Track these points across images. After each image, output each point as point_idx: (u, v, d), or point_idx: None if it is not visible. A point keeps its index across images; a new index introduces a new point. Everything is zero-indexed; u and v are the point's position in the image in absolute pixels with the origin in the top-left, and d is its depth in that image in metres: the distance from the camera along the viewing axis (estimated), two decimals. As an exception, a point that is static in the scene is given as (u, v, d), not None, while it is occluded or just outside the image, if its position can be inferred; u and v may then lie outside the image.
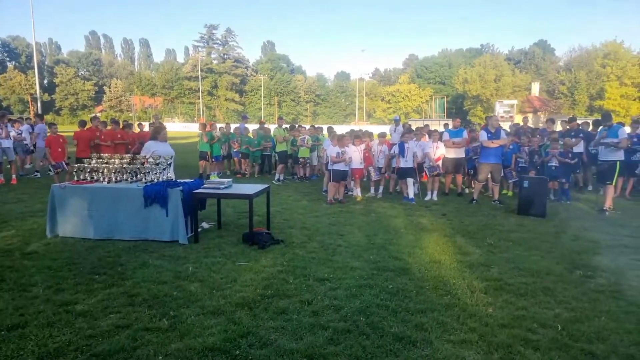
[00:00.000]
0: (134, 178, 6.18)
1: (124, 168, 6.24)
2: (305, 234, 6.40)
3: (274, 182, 11.63)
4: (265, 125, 14.18)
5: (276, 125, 13.53)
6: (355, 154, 9.26)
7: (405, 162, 9.13)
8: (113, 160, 6.47)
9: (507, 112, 38.48)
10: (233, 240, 6.02)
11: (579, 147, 9.93)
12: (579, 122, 11.55)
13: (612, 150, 7.88)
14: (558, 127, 11.67)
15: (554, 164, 9.09)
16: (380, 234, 6.48)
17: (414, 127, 12.01)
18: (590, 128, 10.70)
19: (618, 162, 7.89)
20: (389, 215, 7.80)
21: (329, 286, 4.37)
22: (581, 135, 10.14)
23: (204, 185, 6.31)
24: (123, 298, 4.02)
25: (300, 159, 12.31)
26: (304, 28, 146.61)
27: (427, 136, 10.23)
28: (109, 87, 72.67)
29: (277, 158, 12.58)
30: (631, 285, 4.38)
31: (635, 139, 9.21)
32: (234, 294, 4.14)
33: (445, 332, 3.45)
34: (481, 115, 54.31)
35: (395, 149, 9.35)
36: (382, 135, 10.18)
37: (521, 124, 13.14)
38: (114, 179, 6.19)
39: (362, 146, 9.62)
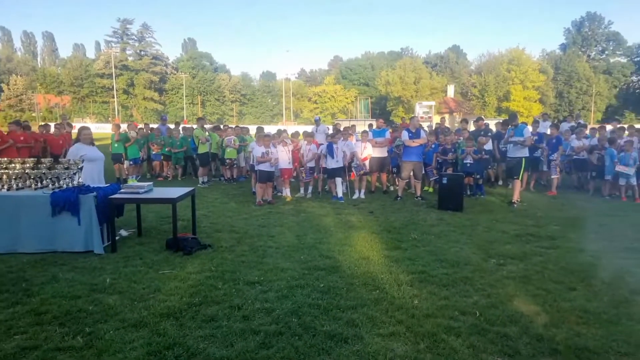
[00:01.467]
0: (39, 184, 5.59)
1: (27, 174, 5.62)
2: (234, 237, 6.23)
3: (199, 184, 11.20)
4: (188, 126, 13.60)
5: (196, 126, 12.99)
6: (282, 154, 9.22)
7: (334, 162, 9.27)
8: (13, 165, 5.78)
9: (426, 113, 40.71)
10: (155, 247, 5.68)
11: (489, 145, 10.77)
12: (496, 122, 12.55)
13: (519, 148, 8.64)
14: (472, 127, 12.57)
15: (469, 161, 9.76)
16: (311, 233, 6.50)
17: (341, 128, 12.24)
18: (500, 127, 11.65)
19: (524, 159, 8.67)
20: (319, 215, 7.87)
21: (259, 289, 4.28)
22: (490, 134, 11.00)
23: (121, 190, 5.87)
24: (29, 317, 3.62)
25: (227, 160, 11.98)
26: (227, 26, 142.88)
27: (354, 136, 10.48)
28: (7, 85, 65.34)
29: (198, 160, 12.05)
30: (537, 271, 4.81)
31: (536, 137, 10.19)
32: (157, 304, 3.90)
33: (375, 326, 3.53)
34: (403, 115, 57.06)
35: (324, 149, 9.46)
36: (309, 135, 10.24)
37: (452, 124, 13.93)
38: (14, 185, 5.55)
39: (291, 146, 9.60)
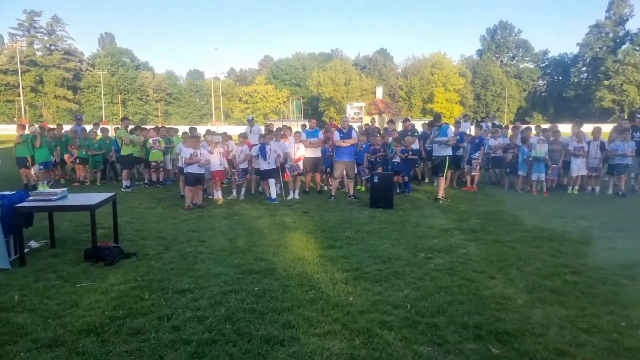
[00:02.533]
0: None
1: None
2: (162, 244, 5.91)
3: (122, 189, 10.52)
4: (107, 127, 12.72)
5: (119, 127, 12.20)
6: (213, 155, 8.94)
7: (267, 164, 9.16)
8: None
9: (357, 114, 41.75)
10: (72, 258, 5.22)
11: (415, 145, 11.28)
12: (422, 122, 13.13)
13: (443, 147, 9.13)
14: (400, 127, 13.09)
15: (397, 160, 10.14)
16: (244, 236, 6.36)
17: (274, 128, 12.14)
18: (426, 128, 12.23)
19: (447, 157, 9.18)
20: (253, 217, 7.73)
21: (190, 297, 4.09)
22: (416, 134, 11.52)
23: (30, 198, 5.32)
24: None
25: (152, 163, 11.36)
26: (148, 21, 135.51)
27: (287, 137, 10.44)
28: None
29: (119, 163, 11.30)
30: (461, 262, 5.10)
31: (458, 137, 10.84)
32: (75, 320, 3.58)
33: (311, 326, 3.52)
34: (334, 116, 58.05)
35: (256, 150, 9.32)
36: (242, 136, 10.04)
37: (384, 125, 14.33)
38: None
39: (220, 148, 9.33)
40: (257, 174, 9.61)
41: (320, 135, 10.44)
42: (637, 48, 64.05)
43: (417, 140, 10.93)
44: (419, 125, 13.15)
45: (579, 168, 9.84)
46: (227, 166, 9.44)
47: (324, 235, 6.37)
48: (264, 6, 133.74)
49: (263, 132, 10.86)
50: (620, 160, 9.61)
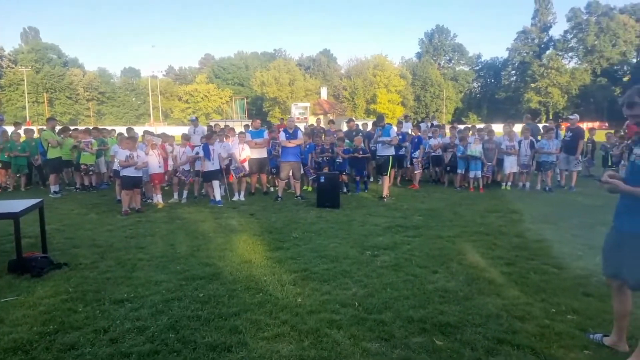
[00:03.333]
0: None
1: None
2: (97, 252, 5.55)
3: (50, 195, 9.77)
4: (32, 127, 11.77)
5: (44, 128, 11.31)
6: (151, 157, 8.54)
7: (211, 165, 8.91)
8: None
9: (302, 114, 41.87)
10: (-6, 271, 4.76)
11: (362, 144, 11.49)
12: (363, 122, 13.38)
13: (387, 147, 9.36)
14: (344, 127, 13.25)
15: (339, 160, 10.26)
16: (187, 241, 6.13)
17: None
18: (370, 128, 12.49)
19: (391, 157, 9.43)
20: (196, 220, 7.47)
21: (129, 307, 3.87)
22: (361, 134, 11.73)
23: (-58, 206, 4.79)
24: None
25: (82, 166, 10.63)
26: (77, 15, 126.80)
27: (231, 137, 10.22)
28: None
29: (46, 166, 10.48)
30: (406, 259, 5.24)
31: (400, 137, 11.16)
32: (0, 338, 3.26)
33: (259, 330, 3.45)
34: (279, 116, 57.78)
35: (200, 151, 9.03)
36: (185, 137, 9.70)
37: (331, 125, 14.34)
38: None
39: (157, 149, 8.93)
40: (200, 176, 9.31)
41: (265, 135, 10.33)
42: (560, 53, 69.70)
43: (362, 140, 11.12)
44: (363, 126, 13.36)
45: (511, 165, 10.49)
46: (167, 168, 9.05)
47: (271, 237, 6.30)
48: (203, 3, 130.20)
49: (205, 133, 10.56)
50: (546, 158, 10.37)
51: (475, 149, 10.23)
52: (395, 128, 10.34)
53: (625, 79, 66.34)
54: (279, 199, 9.29)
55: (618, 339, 3.14)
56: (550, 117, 59.84)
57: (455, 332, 3.40)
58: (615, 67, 67.35)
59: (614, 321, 3.20)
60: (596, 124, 38.60)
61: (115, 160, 8.51)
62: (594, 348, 3.14)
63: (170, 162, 9.27)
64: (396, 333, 3.39)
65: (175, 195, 9.35)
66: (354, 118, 18.40)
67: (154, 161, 8.56)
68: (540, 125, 12.98)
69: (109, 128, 13.91)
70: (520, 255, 5.28)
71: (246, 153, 9.76)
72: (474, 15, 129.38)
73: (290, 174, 9.61)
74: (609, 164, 11.17)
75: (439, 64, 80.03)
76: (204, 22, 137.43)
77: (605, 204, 8.25)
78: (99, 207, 8.66)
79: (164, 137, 9.91)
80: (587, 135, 11.06)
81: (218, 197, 8.96)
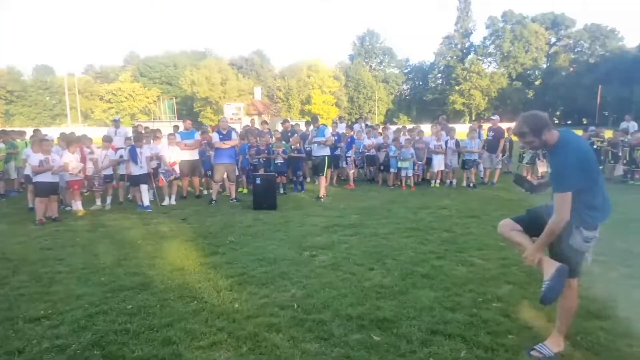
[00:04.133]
0: None
1: None
2: (7, 267, 5.01)
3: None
4: None
5: None
6: (69, 160, 7.89)
7: (138, 169, 8.42)
8: None
9: (235, 115, 40.99)
10: None
11: (299, 144, 11.48)
12: (296, 123, 13.34)
13: (322, 147, 9.43)
14: (279, 128, 13.15)
15: (279, 161, 10.19)
16: (113, 250, 5.73)
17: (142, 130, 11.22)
18: (303, 128, 12.52)
19: (326, 157, 9.51)
20: (123, 228, 7.02)
21: (47, 325, 3.54)
22: (296, 134, 11.72)
23: None
24: None
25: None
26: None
27: (160, 139, 9.73)
28: None
29: None
30: (344, 257, 5.30)
31: (336, 137, 11.32)
32: None
33: (194, 339, 3.31)
34: (212, 117, 56.26)
35: (125, 154, 8.50)
36: (107, 139, 9.06)
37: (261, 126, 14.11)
38: None
39: (77, 153, 8.28)
40: (126, 180, 8.77)
41: (197, 136, 9.97)
42: (480, 58, 74.81)
43: (300, 141, 11.12)
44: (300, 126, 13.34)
45: (439, 164, 11.04)
46: (86, 173, 8.37)
47: (206, 242, 6.07)
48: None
49: (130, 135, 9.97)
50: (469, 156, 11.05)
51: (407, 148, 10.65)
52: (330, 128, 10.46)
53: (537, 82, 72.89)
54: (213, 202, 9.01)
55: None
56: (474, 117, 64.09)
57: (391, 326, 3.49)
58: (528, 72, 73.54)
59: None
60: (513, 124, 41.80)
61: (27, 165, 7.75)
62: (516, 332, 3.36)
63: (90, 166, 8.56)
64: (335, 332, 3.41)
65: (98, 202, 8.72)
66: (289, 119, 18.39)
67: (74, 165, 7.91)
68: (466, 126, 13.81)
69: (19, 130, 12.68)
70: (450, 249, 5.56)
71: (176, 155, 9.36)
72: (402, 20, 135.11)
73: (225, 176, 9.36)
74: (526, 161, 12.11)
75: (371, 67, 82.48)
76: (128, 18, 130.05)
77: (521, 199, 8.95)
78: (10, 217, 7.86)
79: (84, 139, 9.11)
80: (506, 134, 11.91)
81: (146, 202, 8.49)
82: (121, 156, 8.52)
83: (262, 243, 5.98)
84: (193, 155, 9.73)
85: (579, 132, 12.54)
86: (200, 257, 5.36)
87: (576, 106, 64.56)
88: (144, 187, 8.48)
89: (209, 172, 10.29)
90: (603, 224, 2.94)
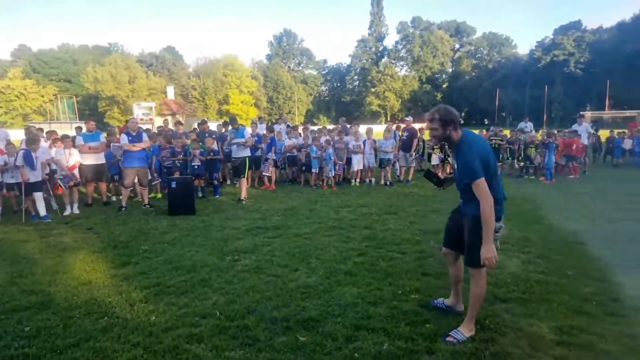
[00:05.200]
0: None
1: None
2: None
3: None
4: None
5: None
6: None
7: (33, 175, 7.56)
8: None
9: (146, 115, 38.68)
10: None
11: (214, 145, 11.10)
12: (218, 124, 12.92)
13: (242, 148, 9.20)
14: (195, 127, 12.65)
15: (196, 163, 9.77)
16: (5, 266, 5.08)
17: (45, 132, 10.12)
18: (223, 130, 12.16)
19: (247, 158, 9.30)
20: (16, 241, 6.24)
21: None
22: (214, 135, 11.36)
23: None
24: None
25: None
26: None
27: (58, 141, 8.82)
28: None
29: None
30: (267, 260, 5.21)
31: (256, 138, 11.13)
32: None
33: (105, 358, 3.06)
34: (119, 117, 52.49)
35: (19, 159, 7.57)
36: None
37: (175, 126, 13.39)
38: None
39: None
40: (10, 189, 7.80)
41: (102, 138, 9.20)
42: (393, 62, 78.76)
43: (215, 142, 10.77)
44: (214, 127, 12.96)
45: (358, 163, 11.38)
46: None
47: (116, 252, 5.62)
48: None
49: (10, 138, 8.91)
50: (384, 155, 11.55)
51: (328, 148, 10.84)
52: (249, 129, 10.27)
53: (444, 85, 78.52)
54: (123, 209, 8.38)
55: (456, 301, 3.68)
56: (389, 118, 67.22)
57: (317, 325, 3.50)
58: (436, 75, 79.00)
59: (451, 286, 3.71)
60: (424, 125, 44.54)
61: None
62: (434, 321, 3.55)
63: None
64: (260, 336, 3.34)
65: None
66: (206, 119, 17.75)
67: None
68: (383, 127, 14.40)
69: None
70: (370, 245, 5.74)
71: (75, 159, 8.56)
72: (320, 22, 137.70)
73: (136, 180, 8.76)
74: (434, 162, 12.92)
75: (289, 67, 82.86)
76: (14, 6, 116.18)
77: (434, 195, 9.57)
78: None
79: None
80: (419, 134, 12.61)
81: (43, 212, 7.64)
82: (5, 163, 7.57)
83: (179, 250, 5.68)
84: (98, 158, 8.96)
85: (482, 132, 13.81)
86: (110, 269, 4.95)
87: (478, 108, 70.83)
88: (38, 195, 7.62)
89: (115, 177, 9.57)
90: (505, 215, 3.23)
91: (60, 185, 8.15)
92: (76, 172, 8.52)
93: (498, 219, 3.15)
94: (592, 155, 15.95)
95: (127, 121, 10.15)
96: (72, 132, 11.95)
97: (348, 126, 13.17)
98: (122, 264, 5.12)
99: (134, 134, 8.52)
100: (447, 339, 3.24)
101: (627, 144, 15.32)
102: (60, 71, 63.28)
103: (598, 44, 58.84)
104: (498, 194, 3.16)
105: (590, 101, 53.39)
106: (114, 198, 9.71)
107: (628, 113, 36.25)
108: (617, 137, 15.83)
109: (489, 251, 3.02)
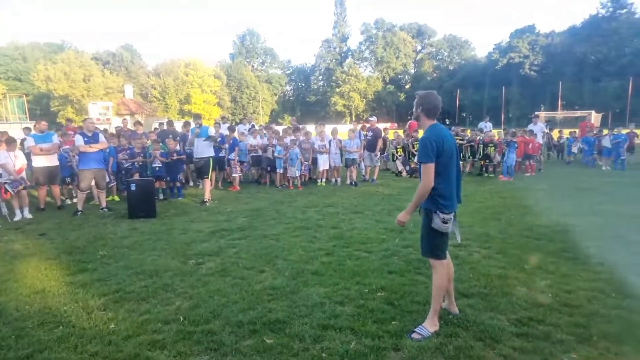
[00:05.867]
0: None
1: None
2: None
3: None
4: None
5: None
6: None
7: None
8: None
9: (103, 114, 37.14)
10: None
11: (177, 147, 10.81)
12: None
13: (206, 148, 9.00)
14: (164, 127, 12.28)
15: (157, 165, 9.48)
16: (-53, 277, 4.73)
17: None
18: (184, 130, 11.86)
19: (211, 158, 9.11)
20: (-40, 249, 5.84)
21: None
22: (177, 137, 11.05)
23: None
24: None
25: None
26: None
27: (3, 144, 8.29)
28: None
29: None
30: (232, 262, 5.12)
31: (220, 138, 10.92)
32: None
33: (60, 372, 2.88)
34: (74, 117, 50.18)
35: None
36: None
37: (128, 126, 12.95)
38: None
39: None
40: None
41: (55, 139, 8.76)
42: (357, 62, 79.53)
43: (178, 143, 10.49)
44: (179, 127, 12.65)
45: (324, 163, 11.40)
46: None
47: (71, 259, 5.36)
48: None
49: None
50: (349, 155, 11.63)
51: (294, 152, 10.79)
52: (212, 129, 10.07)
53: (407, 86, 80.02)
54: (79, 213, 8.01)
55: (449, 302, 3.68)
56: (354, 118, 67.82)
57: (284, 327, 3.47)
58: (399, 76, 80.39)
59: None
60: (388, 125, 45.28)
61: None
62: (399, 318, 3.60)
63: None
64: (226, 340, 3.27)
65: None
66: (170, 119, 17.22)
67: None
68: (348, 127, 14.52)
69: None
70: (337, 245, 5.75)
71: (21, 161, 8.10)
72: (283, 21, 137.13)
73: (93, 183, 8.39)
74: (400, 162, 13.15)
75: (253, 67, 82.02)
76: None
77: (399, 193, 9.73)
78: None
79: None
80: (383, 133, 12.79)
81: (-9, 218, 7.20)
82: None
83: (140, 255, 5.48)
84: (51, 160, 8.52)
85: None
86: (65, 276, 4.71)
87: (440, 108, 72.55)
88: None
89: (67, 179, 9.14)
90: (466, 212, 3.32)
91: (8, 190, 7.67)
92: (23, 174, 8.06)
93: (448, 212, 3.26)
94: (547, 154, 16.75)
95: (82, 120, 9.72)
96: (20, 134, 11.31)
97: (300, 126, 13.20)
98: (79, 271, 4.88)
99: (89, 134, 8.17)
100: (413, 335, 3.29)
101: (575, 149, 16.27)
102: (8, 69, 59.88)
103: (551, 47, 61.88)
104: (447, 191, 3.27)
105: (544, 102, 55.99)
106: (68, 201, 9.28)
107: (579, 113, 38.18)
108: (569, 136, 16.85)
109: (404, 216, 3.36)
